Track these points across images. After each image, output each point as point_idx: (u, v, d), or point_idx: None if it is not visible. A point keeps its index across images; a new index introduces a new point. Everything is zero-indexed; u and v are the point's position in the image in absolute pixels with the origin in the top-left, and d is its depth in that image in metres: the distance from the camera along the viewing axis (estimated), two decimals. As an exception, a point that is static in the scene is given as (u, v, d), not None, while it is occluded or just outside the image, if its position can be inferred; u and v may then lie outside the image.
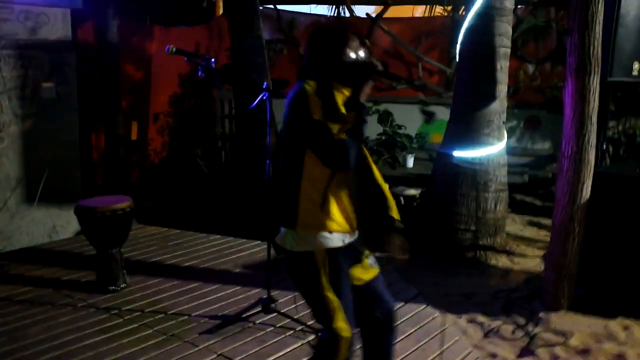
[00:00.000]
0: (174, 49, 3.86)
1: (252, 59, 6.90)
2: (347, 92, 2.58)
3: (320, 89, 2.53)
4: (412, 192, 7.02)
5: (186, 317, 4.19)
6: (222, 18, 7.82)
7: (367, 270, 2.79)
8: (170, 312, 4.26)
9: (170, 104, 8.17)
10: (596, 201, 4.35)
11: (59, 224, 5.95)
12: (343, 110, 2.54)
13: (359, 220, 2.70)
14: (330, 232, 2.60)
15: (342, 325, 2.62)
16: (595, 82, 4.21)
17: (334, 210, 2.60)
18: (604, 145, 5.16)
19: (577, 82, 4.22)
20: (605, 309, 4.32)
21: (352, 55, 2.60)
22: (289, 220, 2.63)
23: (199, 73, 3.99)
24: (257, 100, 4.04)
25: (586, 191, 4.29)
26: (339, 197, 2.62)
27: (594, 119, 4.25)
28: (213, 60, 4.02)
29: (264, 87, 4.02)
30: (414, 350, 3.79)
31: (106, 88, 7.05)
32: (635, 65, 4.86)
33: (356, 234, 2.73)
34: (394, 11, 9.47)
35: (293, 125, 2.56)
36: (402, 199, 7.02)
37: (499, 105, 5.61)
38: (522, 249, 5.76)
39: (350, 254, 2.70)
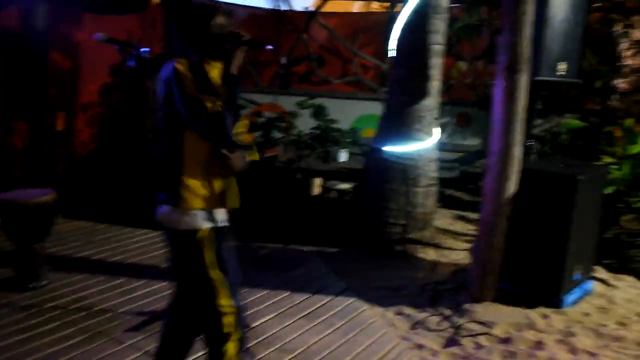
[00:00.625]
0: (104, 37, 3.76)
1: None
2: (219, 65, 2.62)
3: (192, 65, 2.57)
4: (345, 186, 7.07)
5: (112, 313, 4.10)
6: (156, 7, 7.67)
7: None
8: (95, 309, 4.15)
9: (100, 94, 7.95)
10: (521, 196, 4.47)
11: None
12: (219, 82, 2.58)
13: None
14: (214, 209, 2.65)
15: (225, 302, 2.67)
16: (524, 81, 4.32)
17: (216, 186, 2.64)
18: (530, 142, 5.30)
19: (507, 80, 4.32)
20: (526, 300, 4.46)
21: (219, 27, 2.64)
22: (172, 198, 2.63)
23: (129, 62, 3.89)
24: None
25: (512, 186, 4.40)
26: (217, 171, 2.65)
27: (522, 116, 4.36)
28: (146, 49, 3.92)
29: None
30: (342, 344, 3.82)
31: (31, 76, 6.81)
32: (561, 66, 5.01)
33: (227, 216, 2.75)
34: (332, 6, 9.48)
35: (169, 103, 2.57)
36: (334, 192, 7.06)
37: (432, 101, 5.69)
38: (450, 242, 5.88)
39: (224, 234, 2.74)
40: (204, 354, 2.98)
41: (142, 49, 3.88)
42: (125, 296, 4.39)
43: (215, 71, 2.60)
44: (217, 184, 2.65)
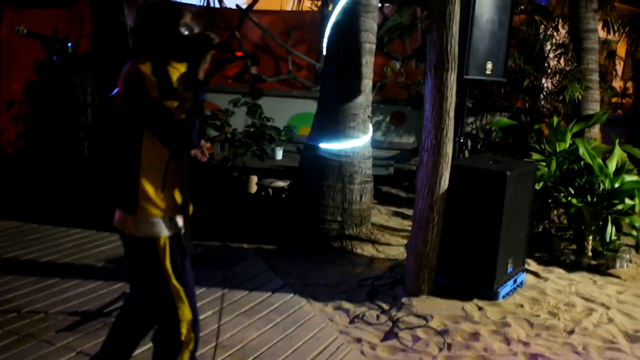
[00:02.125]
0: (25, 30, 3.62)
1: (115, 47, 6.64)
2: (182, 68, 2.50)
3: (155, 66, 2.42)
4: (281, 184, 7.07)
5: (42, 315, 3.96)
6: (83, 1, 7.45)
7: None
8: (24, 311, 4.00)
9: (25, 91, 7.67)
10: (453, 192, 4.58)
11: None
12: (178, 87, 2.45)
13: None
14: (171, 217, 2.56)
15: (186, 310, 2.61)
16: (452, 79, 4.43)
17: (175, 194, 2.56)
18: (462, 139, 5.44)
19: (436, 78, 4.42)
20: (462, 294, 4.57)
21: (187, 29, 2.51)
22: (127, 205, 2.53)
23: (54, 58, 3.77)
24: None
25: (444, 182, 4.50)
26: (179, 180, 2.57)
27: (452, 113, 4.47)
28: (70, 44, 3.82)
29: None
30: (281, 339, 3.82)
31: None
32: (489, 65, 5.16)
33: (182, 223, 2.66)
34: (264, 4, 9.46)
35: (128, 106, 2.45)
36: (270, 190, 7.05)
37: (365, 99, 5.75)
38: (387, 238, 5.96)
39: (185, 243, 2.66)
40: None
41: (66, 44, 3.76)
42: (57, 297, 4.25)
43: (177, 74, 2.48)
44: (176, 190, 2.56)
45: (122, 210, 2.57)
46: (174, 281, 2.57)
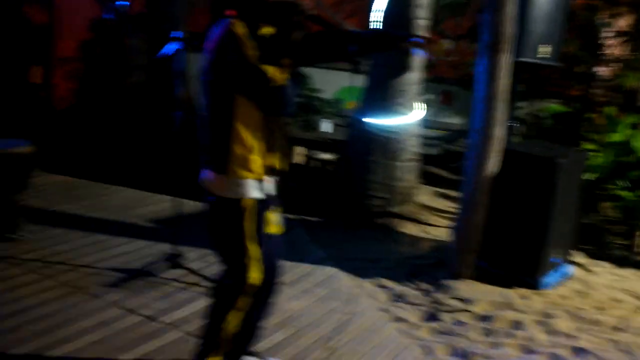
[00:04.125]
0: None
1: (167, 9, 6.68)
2: (271, 31, 2.45)
3: (252, 29, 2.39)
4: (327, 156, 7.04)
5: (90, 269, 4.06)
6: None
7: (269, 226, 2.75)
8: (74, 264, 4.10)
9: (79, 49, 7.76)
10: (502, 176, 4.51)
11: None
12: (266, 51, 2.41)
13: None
14: (261, 180, 2.57)
15: (256, 275, 2.63)
16: (506, 60, 4.33)
17: (266, 157, 2.56)
18: (513, 123, 5.33)
19: (489, 59, 4.33)
20: (504, 280, 4.51)
21: None
22: (218, 165, 2.55)
23: (107, 15, 3.76)
24: (168, 49, 3.89)
25: (493, 166, 4.43)
26: (271, 143, 2.57)
27: (504, 96, 4.37)
28: (125, 3, 3.81)
29: (176, 36, 3.87)
30: (321, 312, 3.83)
31: (6, 28, 6.63)
32: (543, 48, 5.02)
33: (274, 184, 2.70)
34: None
35: (222, 68, 2.44)
36: (317, 162, 7.04)
37: (414, 76, 5.69)
38: (431, 218, 5.92)
39: (269, 204, 2.68)
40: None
41: (120, 2, 3.75)
42: (104, 252, 4.35)
43: (266, 37, 2.43)
44: (268, 153, 2.56)
45: (212, 170, 2.58)
46: (250, 243, 2.59)
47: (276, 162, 2.62)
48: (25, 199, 4.63)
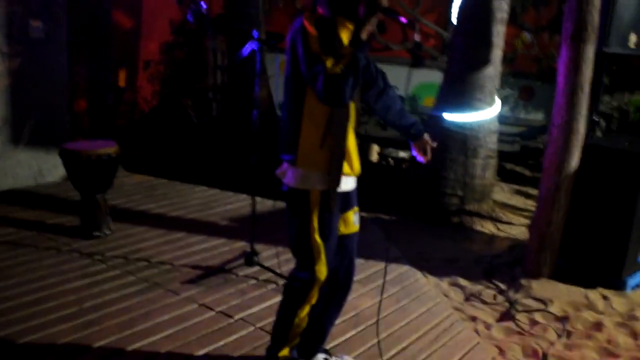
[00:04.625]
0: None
1: (245, 10, 6.80)
2: (352, 27, 2.51)
3: (321, 21, 2.49)
4: (402, 154, 7.01)
5: (169, 266, 4.19)
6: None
7: (347, 225, 2.81)
8: (153, 261, 4.26)
9: (161, 52, 8.03)
10: (584, 173, 4.36)
11: (45, 167, 5.87)
12: (346, 44, 2.46)
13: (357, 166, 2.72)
14: (328, 172, 2.60)
15: (322, 268, 2.69)
16: (590, 52, 4.17)
17: (335, 152, 2.59)
18: (596, 118, 5.15)
19: (572, 50, 4.18)
20: (585, 280, 4.37)
21: None
22: (289, 156, 2.64)
23: (188, 17, 3.87)
24: (245, 50, 3.96)
25: (574, 161, 4.29)
26: (341, 138, 2.60)
27: (587, 89, 4.22)
28: (204, 5, 3.91)
29: (254, 36, 3.94)
30: (395, 310, 3.82)
31: (96, 31, 6.92)
32: (632, 38, 4.82)
33: (354, 180, 2.74)
34: (395, -30, 9.30)
35: (293, 60, 2.54)
36: (391, 160, 7.01)
37: (493, 70, 5.56)
38: (508, 216, 5.79)
39: (342, 202, 2.72)
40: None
41: (201, 4, 3.85)
42: (183, 250, 4.48)
43: (345, 31, 2.50)
44: (336, 147, 2.59)
45: (285, 161, 2.69)
46: (317, 235, 2.65)
47: (348, 158, 2.65)
48: (109, 198, 4.84)
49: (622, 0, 4.64)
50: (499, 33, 5.52)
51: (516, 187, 6.88)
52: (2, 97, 5.50)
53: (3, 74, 5.48)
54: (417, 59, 7.61)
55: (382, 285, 3.79)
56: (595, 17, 4.12)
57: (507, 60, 8.18)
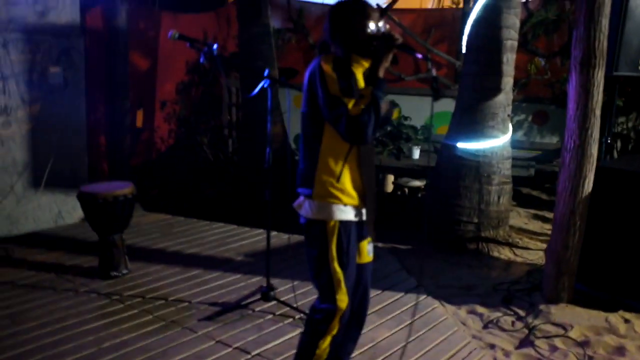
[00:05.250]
0: (177, 35, 3.86)
1: (258, 47, 6.92)
2: (366, 64, 2.62)
3: (338, 62, 2.59)
4: (417, 183, 7.02)
5: (186, 303, 4.22)
6: (231, 5, 7.82)
7: (361, 255, 2.86)
8: (170, 299, 4.29)
9: (177, 91, 8.17)
10: (598, 196, 4.34)
11: (65, 210, 5.98)
12: (362, 83, 2.58)
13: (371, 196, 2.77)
14: (345, 204, 2.68)
15: (343, 297, 2.73)
16: (599, 76, 4.19)
17: (350, 183, 2.68)
18: (608, 140, 5.14)
19: (582, 75, 4.20)
20: (605, 303, 4.31)
21: (373, 26, 2.64)
22: (307, 189, 2.71)
23: (201, 59, 3.98)
24: (258, 88, 4.03)
25: (588, 185, 4.28)
26: (355, 171, 2.69)
27: (598, 112, 4.23)
28: (215, 46, 4.01)
29: (265, 74, 4.01)
30: (412, 340, 3.80)
31: (114, 74, 7.08)
32: (642, 61, 4.83)
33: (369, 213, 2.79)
34: (403, 2, 9.42)
35: (311, 99, 2.63)
36: (406, 190, 7.03)
37: (505, 98, 5.57)
38: (526, 241, 5.76)
39: (357, 232, 2.77)
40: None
41: (212, 46, 3.95)
42: (199, 287, 4.51)
43: (361, 69, 2.61)
44: (354, 181, 2.68)
45: (302, 194, 2.76)
46: (336, 264, 2.70)
47: (363, 189, 2.71)
48: (127, 238, 4.91)
49: (630, 26, 4.68)
50: (509, 60, 5.55)
51: (533, 211, 6.84)
52: (22, 142, 5.64)
53: (23, 119, 5.62)
54: (436, 93, 7.67)
55: (398, 318, 3.77)
56: (603, 42, 4.15)
57: (520, 85, 8.23)
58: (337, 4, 2.74)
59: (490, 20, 5.45)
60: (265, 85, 4.03)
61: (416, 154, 7.91)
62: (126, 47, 7.20)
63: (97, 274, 4.63)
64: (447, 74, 9.23)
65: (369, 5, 2.71)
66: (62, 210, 5.97)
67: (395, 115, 7.69)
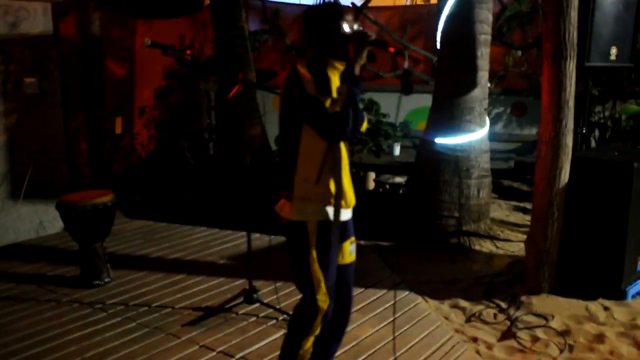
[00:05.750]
0: (149, 42, 3.86)
1: (234, 50, 6.92)
2: (341, 67, 2.65)
3: (313, 64, 2.62)
4: (398, 180, 7.05)
5: (170, 309, 4.21)
6: (206, 9, 7.82)
7: (343, 256, 2.89)
8: (154, 305, 4.28)
9: (155, 97, 8.15)
10: (575, 186, 4.39)
11: (46, 220, 5.94)
12: (337, 83, 2.60)
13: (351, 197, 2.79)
14: (324, 205, 2.70)
15: (323, 297, 2.74)
16: (571, 67, 4.24)
17: (331, 184, 2.69)
18: (584, 130, 5.19)
19: (553, 67, 4.25)
20: (585, 292, 4.36)
21: (347, 27, 2.68)
22: (286, 191, 2.73)
23: (179, 65, 3.98)
24: (232, 92, 4.04)
25: (564, 176, 4.33)
26: (334, 171, 2.70)
27: (571, 103, 4.28)
28: (189, 52, 4.02)
29: (238, 78, 4.02)
30: (396, 337, 3.80)
31: (90, 82, 7.06)
32: (613, 50, 4.89)
33: (349, 212, 2.82)
34: (378, 0, 9.46)
35: (289, 102, 2.66)
36: (387, 186, 7.06)
37: (480, 92, 5.61)
38: (507, 234, 5.80)
39: (339, 232, 2.78)
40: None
41: (184, 52, 3.96)
42: (183, 292, 4.51)
43: (335, 72, 2.64)
44: (333, 180, 2.69)
45: (282, 196, 2.78)
46: (316, 265, 2.72)
47: (342, 189, 2.72)
48: (109, 246, 4.89)
49: (599, 17, 4.74)
50: (483, 55, 5.59)
51: (514, 203, 6.90)
52: (0, 153, 5.59)
53: (0, 131, 5.58)
54: (406, 87, 7.71)
55: (381, 315, 3.78)
56: (573, 34, 4.20)
57: (498, 78, 8.29)
58: (310, 8, 2.79)
59: (463, 16, 5.49)
60: (240, 90, 4.04)
61: (397, 150, 7.94)
62: (101, 55, 7.18)
63: (80, 284, 4.60)
64: (425, 69, 9.26)
65: (341, 7, 2.76)
66: (44, 220, 5.92)
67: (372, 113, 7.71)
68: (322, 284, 2.73)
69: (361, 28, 2.71)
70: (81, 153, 7.22)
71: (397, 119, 8.12)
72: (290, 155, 2.71)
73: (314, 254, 2.71)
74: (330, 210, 2.71)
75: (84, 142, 7.24)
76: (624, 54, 4.99)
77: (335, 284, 2.83)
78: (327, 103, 2.51)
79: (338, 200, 2.71)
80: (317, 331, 2.81)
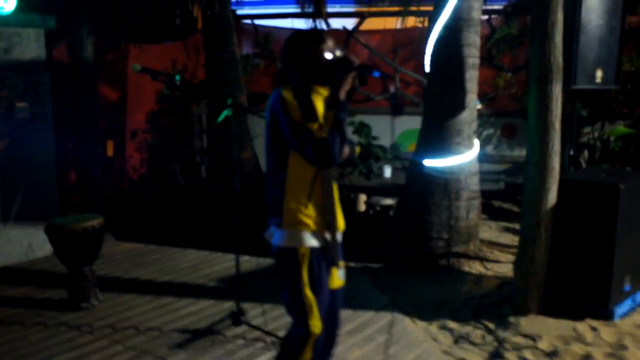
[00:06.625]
0: (139, 67, 3.90)
1: (226, 74, 6.98)
2: (325, 92, 2.66)
3: (298, 91, 2.63)
4: (389, 201, 7.07)
5: (158, 332, 4.21)
6: (199, 33, 7.88)
7: (332, 280, 2.86)
8: (142, 328, 4.27)
9: (147, 120, 8.18)
10: (563, 207, 4.41)
11: (36, 243, 5.93)
12: (322, 110, 2.61)
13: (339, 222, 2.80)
14: (314, 230, 2.70)
15: (316, 322, 2.74)
16: (557, 90, 4.28)
17: (318, 209, 2.70)
18: (571, 152, 5.23)
19: (539, 90, 4.30)
20: (573, 312, 4.37)
21: (329, 53, 2.70)
22: (274, 217, 2.74)
23: (168, 90, 4.02)
24: (222, 116, 4.07)
25: (552, 197, 4.35)
26: (325, 196, 2.71)
27: (557, 126, 4.31)
28: (178, 77, 4.06)
29: (227, 102, 4.06)
30: (384, 358, 3.82)
31: (83, 107, 7.09)
32: (598, 73, 4.96)
33: (339, 236, 2.81)
34: (368, 24, 9.55)
35: (274, 129, 2.67)
36: (378, 208, 7.07)
37: (469, 114, 5.66)
38: (497, 255, 5.81)
39: (329, 257, 2.77)
40: None
41: (174, 77, 4.00)
42: (171, 315, 4.50)
43: (320, 98, 2.64)
44: (321, 206, 2.70)
45: (272, 223, 2.78)
46: (308, 290, 2.71)
47: (332, 215, 2.73)
48: (98, 269, 4.89)
49: (584, 40, 4.81)
50: (472, 78, 5.64)
51: (504, 224, 6.92)
52: (-10, 177, 5.61)
53: (-10, 155, 5.61)
54: (396, 109, 7.79)
55: (369, 337, 3.78)
56: (558, 58, 4.25)
57: (488, 99, 8.36)
58: (293, 35, 2.80)
59: (451, 39, 5.55)
60: (229, 114, 4.07)
61: (387, 172, 7.97)
62: (94, 80, 7.22)
63: (67, 307, 4.59)
64: (416, 92, 9.32)
65: (323, 33, 2.79)
66: (33, 243, 5.92)
67: (363, 135, 7.76)
68: (315, 309, 2.73)
69: (344, 54, 2.73)
70: (72, 177, 7.22)
71: (389, 141, 8.15)
72: (278, 182, 2.71)
73: (306, 279, 2.70)
74: (320, 235, 2.72)
75: (74, 167, 7.24)
76: (609, 76, 5.06)
77: (326, 309, 2.84)
78: (314, 128, 2.53)
79: (333, 224, 2.72)
80: (308, 356, 2.79)
